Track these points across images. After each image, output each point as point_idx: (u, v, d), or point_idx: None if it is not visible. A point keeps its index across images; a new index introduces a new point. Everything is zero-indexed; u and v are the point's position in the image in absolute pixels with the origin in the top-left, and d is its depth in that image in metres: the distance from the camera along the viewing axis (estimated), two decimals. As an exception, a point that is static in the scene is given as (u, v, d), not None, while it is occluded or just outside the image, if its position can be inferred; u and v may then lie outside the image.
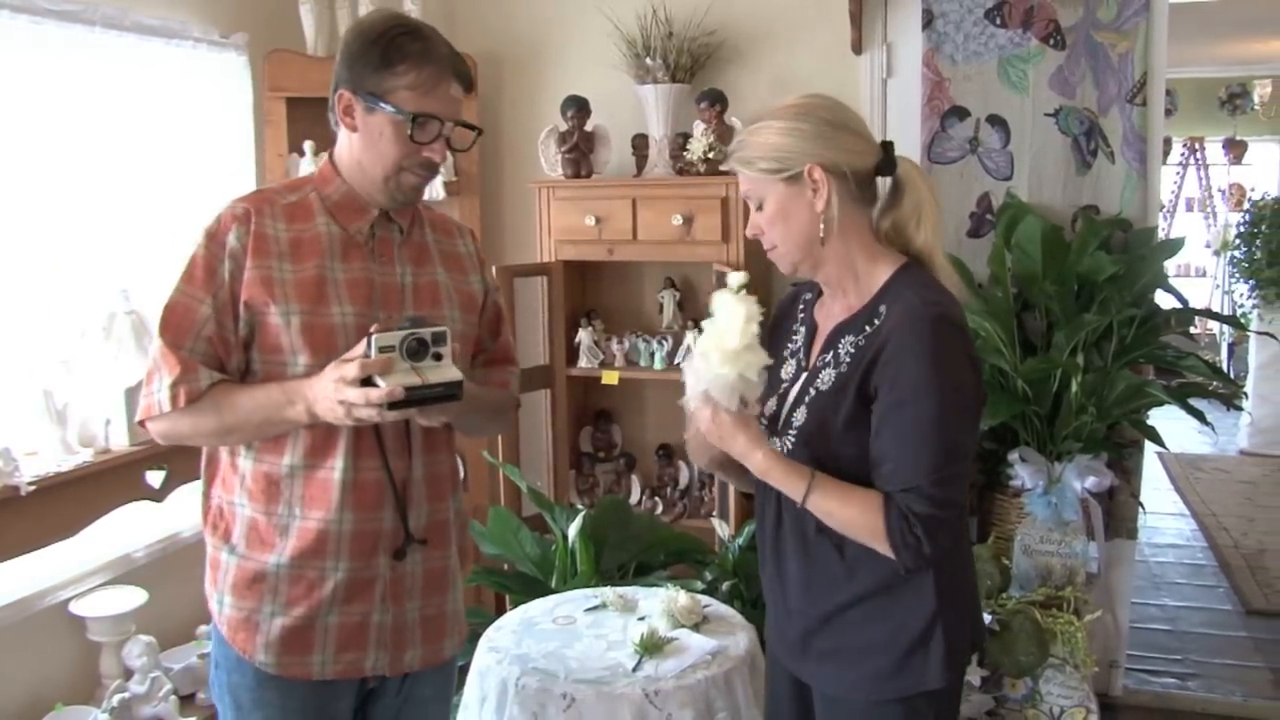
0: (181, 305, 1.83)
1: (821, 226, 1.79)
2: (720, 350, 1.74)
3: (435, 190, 3.98)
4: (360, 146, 1.87)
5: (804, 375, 1.89)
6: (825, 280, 1.88)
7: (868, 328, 1.79)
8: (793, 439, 1.85)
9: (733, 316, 1.74)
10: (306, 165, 3.73)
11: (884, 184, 1.87)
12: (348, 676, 1.93)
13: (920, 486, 1.70)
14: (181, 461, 2.94)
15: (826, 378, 1.82)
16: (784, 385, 1.92)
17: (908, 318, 1.74)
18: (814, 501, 1.78)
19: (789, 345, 1.97)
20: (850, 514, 1.76)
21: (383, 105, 1.81)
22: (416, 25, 1.87)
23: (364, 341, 1.75)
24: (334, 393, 1.72)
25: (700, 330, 1.82)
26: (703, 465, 2.02)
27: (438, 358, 1.78)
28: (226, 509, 1.93)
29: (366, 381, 1.71)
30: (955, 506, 1.75)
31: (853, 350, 1.80)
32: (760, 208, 1.83)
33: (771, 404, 1.92)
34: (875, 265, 1.84)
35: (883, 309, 1.79)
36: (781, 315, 2.03)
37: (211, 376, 1.82)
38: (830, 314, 1.90)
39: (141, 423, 1.90)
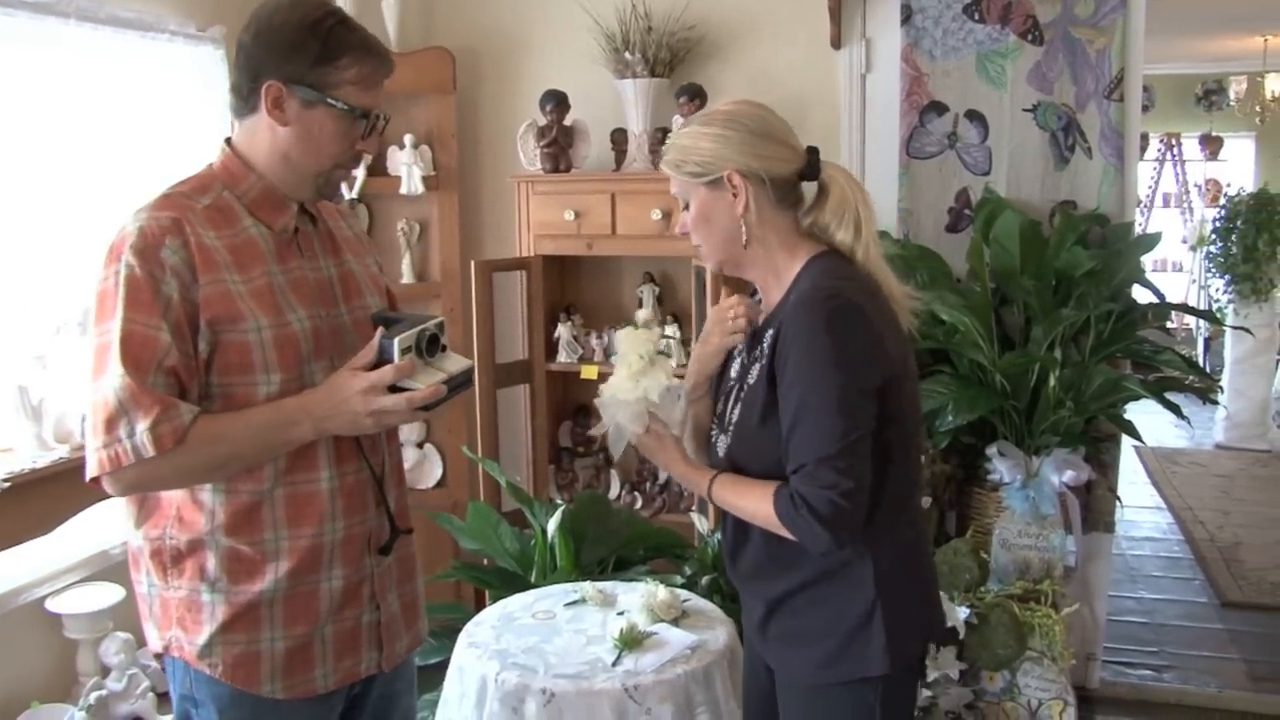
0: (139, 335, 1.64)
1: (743, 229, 1.87)
2: (620, 380, 1.92)
3: (414, 185, 3.97)
4: (291, 141, 1.75)
5: (741, 375, 1.96)
6: (753, 280, 1.98)
7: (780, 319, 1.86)
8: (731, 434, 1.94)
9: (629, 348, 1.92)
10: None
11: (811, 187, 1.94)
12: (346, 683, 1.88)
13: (807, 466, 1.76)
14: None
15: (754, 373, 1.90)
16: (729, 384, 1.99)
17: (796, 303, 1.82)
18: (716, 497, 1.91)
19: (737, 348, 2.03)
20: (748, 506, 1.87)
21: (329, 101, 1.72)
22: (342, 13, 1.78)
23: (373, 345, 1.71)
24: (362, 404, 1.67)
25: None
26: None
27: (444, 349, 1.78)
28: (188, 546, 1.77)
29: (392, 388, 1.69)
30: (848, 488, 1.73)
31: (771, 343, 1.86)
32: (685, 207, 1.91)
33: (719, 405, 2.02)
34: (793, 260, 1.90)
35: (790, 299, 1.87)
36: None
37: (191, 410, 1.65)
38: (762, 316, 1.98)
39: (95, 480, 1.68)
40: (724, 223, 1.87)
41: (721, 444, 1.95)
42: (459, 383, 1.77)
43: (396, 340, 1.69)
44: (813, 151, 1.91)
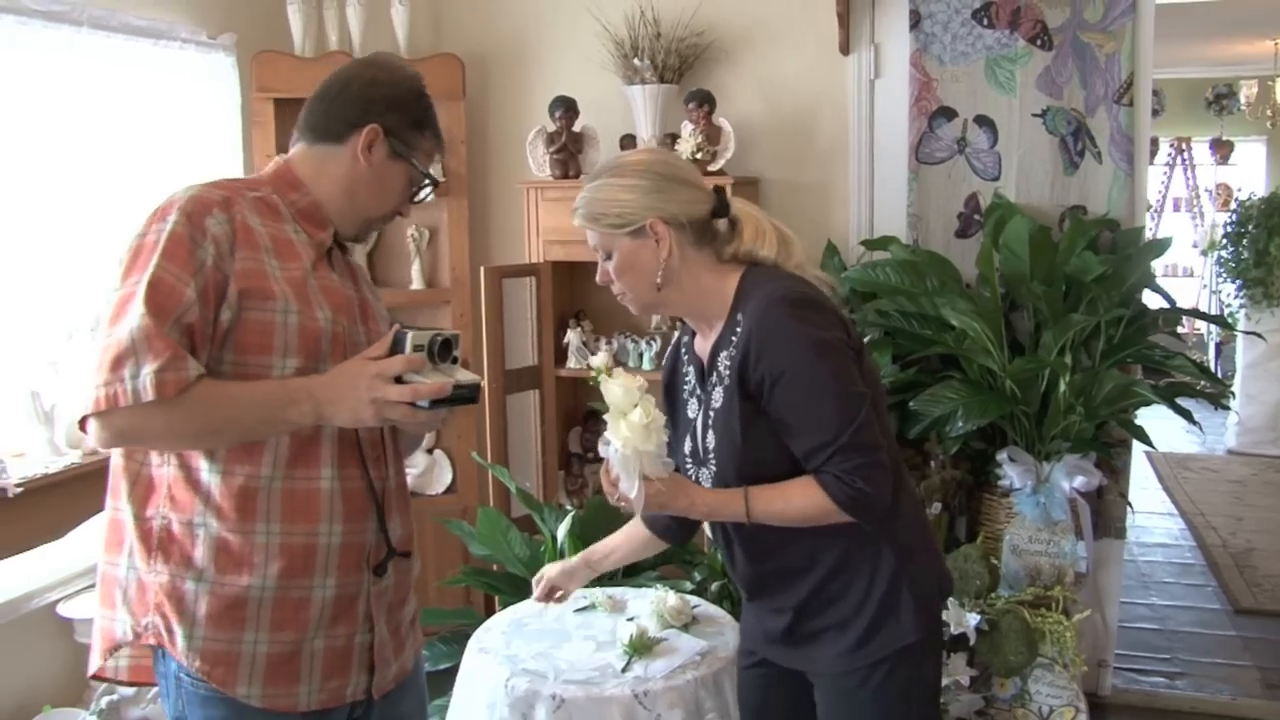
0: (167, 283, 1.64)
1: (660, 273, 1.93)
2: (632, 429, 1.84)
3: (424, 191, 3.97)
4: (366, 181, 1.87)
5: (703, 404, 2.01)
6: (680, 316, 2.05)
7: (733, 337, 1.92)
8: (714, 462, 1.97)
9: (623, 398, 1.85)
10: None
11: (723, 222, 2.00)
12: (330, 705, 1.82)
13: (837, 445, 1.81)
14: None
15: (718, 396, 1.95)
16: (693, 421, 2.04)
17: (759, 308, 1.87)
18: (757, 512, 1.90)
19: (684, 389, 2.09)
20: (796, 506, 1.87)
21: (413, 161, 1.89)
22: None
23: (388, 340, 1.74)
24: (367, 390, 1.68)
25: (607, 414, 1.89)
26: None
27: (455, 360, 1.79)
28: (180, 530, 1.74)
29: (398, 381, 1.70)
30: (878, 449, 1.85)
31: (729, 363, 1.91)
32: (609, 258, 1.96)
33: (689, 443, 2.05)
34: (724, 283, 1.97)
35: (740, 315, 1.92)
36: (671, 368, 2.16)
37: (198, 368, 1.64)
38: (705, 345, 2.02)
39: (85, 419, 1.65)
40: (648, 268, 1.93)
41: (705, 475, 2.00)
42: (464, 394, 1.75)
43: (410, 334, 1.71)
44: (720, 191, 2.00)
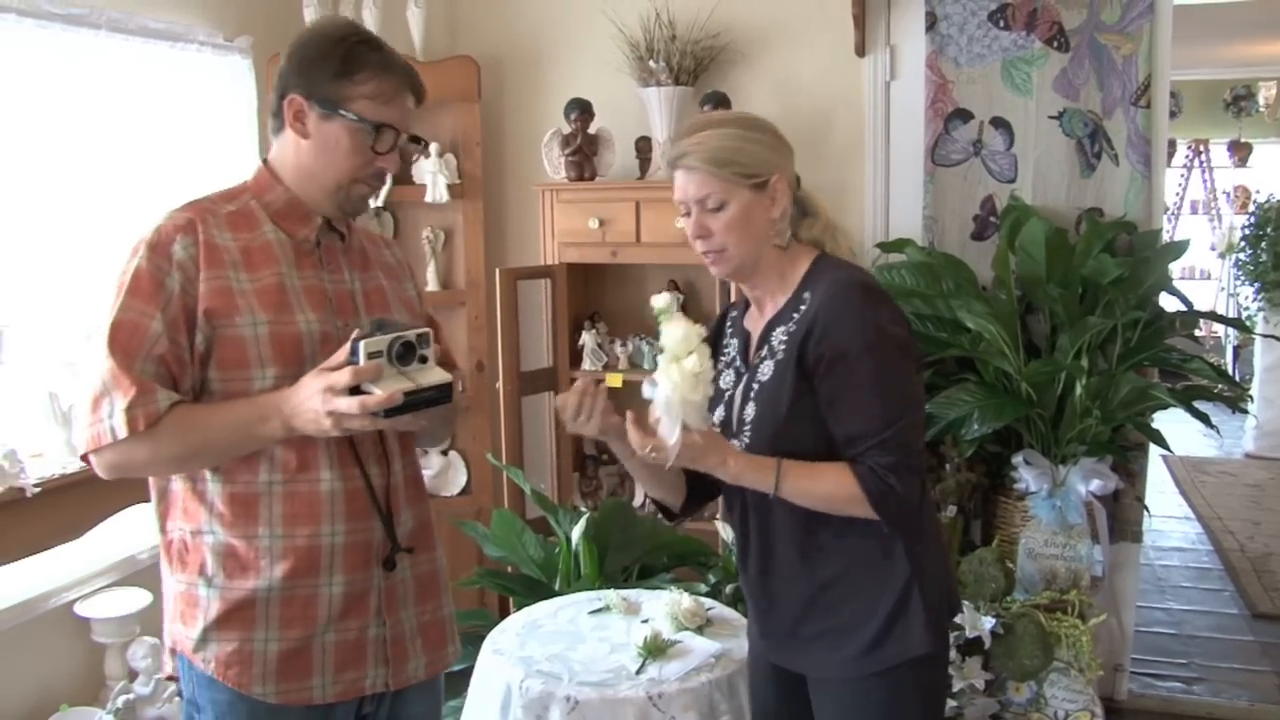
0: (129, 321, 1.70)
1: (775, 234, 1.91)
2: (684, 376, 1.75)
3: (439, 193, 3.99)
4: (312, 154, 1.82)
5: (744, 376, 1.98)
6: (755, 284, 1.98)
7: (795, 314, 1.90)
8: (749, 433, 1.94)
9: (681, 342, 1.77)
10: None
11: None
12: (348, 697, 1.85)
13: (881, 438, 1.80)
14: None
15: (766, 369, 1.93)
16: (727, 393, 2.02)
17: (833, 289, 1.86)
18: (786, 488, 1.85)
19: (723, 358, 2.07)
20: (826, 488, 1.84)
21: (342, 113, 1.78)
22: (372, 34, 1.84)
23: (346, 349, 1.68)
24: (321, 404, 1.65)
25: (658, 354, 1.82)
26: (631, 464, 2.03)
27: (423, 360, 1.75)
28: (191, 540, 1.80)
29: (355, 390, 1.65)
30: (916, 454, 1.85)
31: (785, 339, 1.90)
32: (716, 208, 1.88)
33: (720, 412, 2.01)
34: (796, 263, 1.96)
35: (806, 295, 1.90)
36: (713, 335, 2.10)
37: (170, 397, 1.69)
38: (759, 320, 2.01)
39: (84, 456, 1.74)
40: (760, 227, 1.89)
41: (736, 447, 1.93)
42: (428, 396, 1.73)
43: (363, 344, 1.67)
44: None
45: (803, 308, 1.89)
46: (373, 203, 3.82)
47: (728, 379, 2.03)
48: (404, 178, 4.06)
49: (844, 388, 1.81)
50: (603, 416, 1.86)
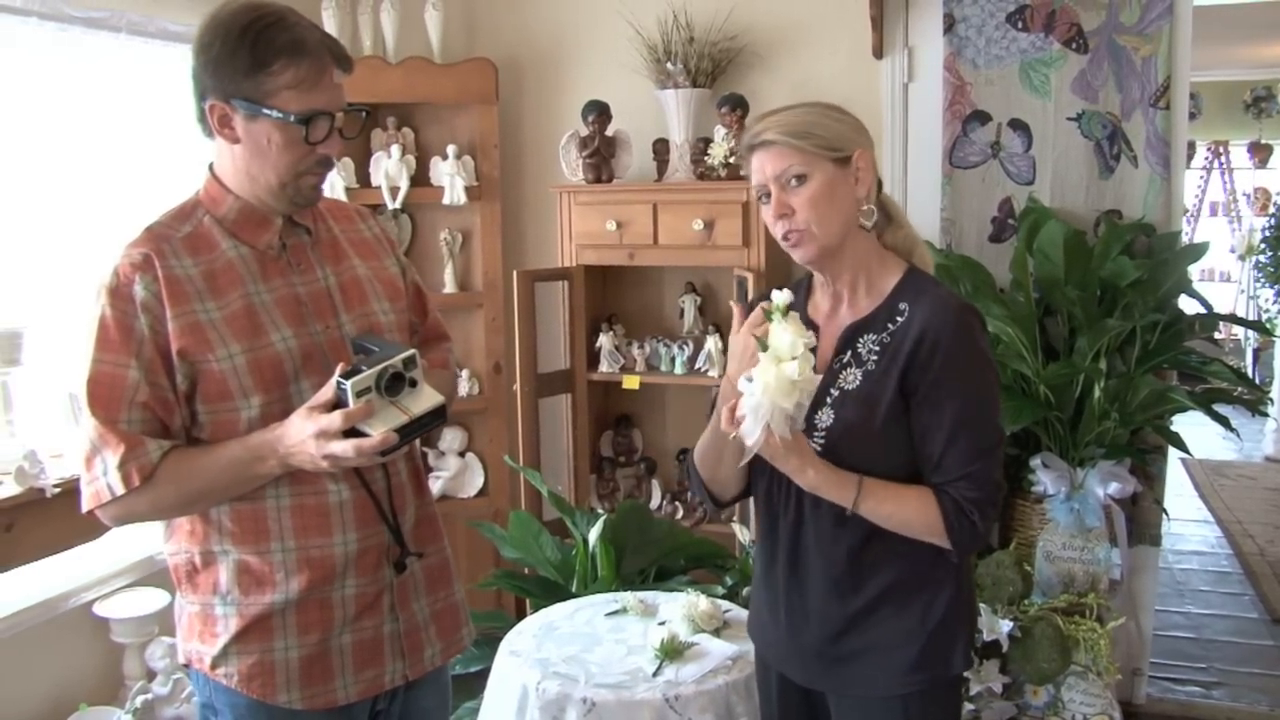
0: (106, 375, 1.66)
1: (865, 211, 1.83)
2: (779, 381, 1.67)
3: (456, 195, 4.00)
4: (247, 157, 1.72)
5: (819, 378, 1.85)
6: (836, 274, 1.89)
7: (890, 325, 1.83)
8: (821, 439, 1.84)
9: (788, 347, 1.67)
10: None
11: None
12: (369, 695, 1.86)
13: (969, 471, 1.77)
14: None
15: (851, 378, 1.84)
16: None
17: (944, 313, 1.79)
18: (867, 506, 1.79)
19: None
20: (907, 513, 1.80)
21: (265, 111, 1.66)
22: (278, 12, 1.69)
23: (332, 385, 1.65)
24: (316, 449, 1.63)
25: (759, 349, 1.71)
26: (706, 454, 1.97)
27: (413, 384, 1.72)
28: (201, 559, 1.79)
29: (350, 428, 1.63)
30: (1001, 488, 1.82)
31: (877, 349, 1.83)
32: (800, 182, 1.79)
33: None
34: (886, 268, 1.89)
35: (903, 307, 1.83)
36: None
37: (161, 446, 1.67)
38: (829, 313, 1.92)
39: (90, 513, 1.73)
40: (845, 204, 1.82)
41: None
42: (423, 424, 1.71)
43: (350, 384, 1.63)
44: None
45: (899, 319, 1.82)
46: (390, 205, 3.84)
47: None
48: (421, 179, 4.07)
49: (945, 416, 1.77)
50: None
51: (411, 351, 1.72)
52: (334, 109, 1.72)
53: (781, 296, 1.69)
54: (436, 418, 1.74)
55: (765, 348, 1.68)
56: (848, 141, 1.81)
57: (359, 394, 1.64)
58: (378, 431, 1.64)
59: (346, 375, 1.65)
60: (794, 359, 1.66)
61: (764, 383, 1.67)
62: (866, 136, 1.86)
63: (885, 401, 1.80)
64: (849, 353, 1.86)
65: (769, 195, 1.82)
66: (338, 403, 1.66)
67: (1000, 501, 1.83)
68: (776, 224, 1.83)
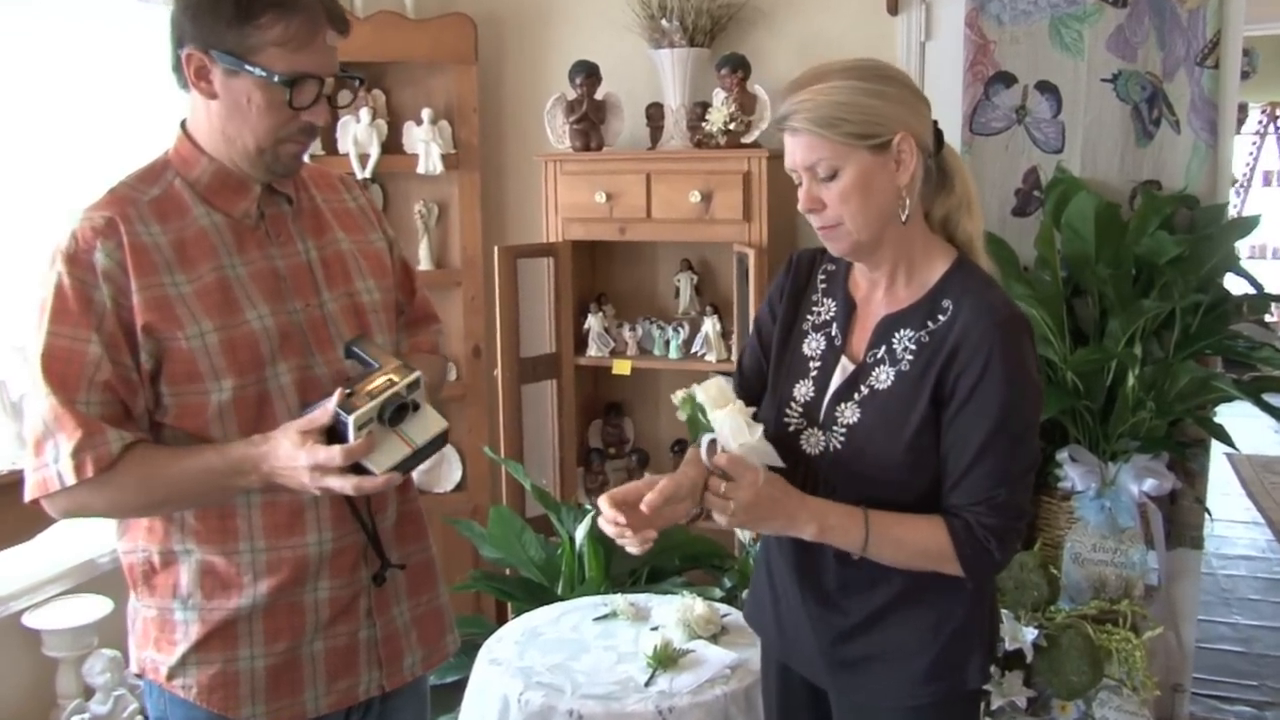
0: (63, 349, 1.63)
1: (904, 204, 1.79)
2: (738, 424, 1.76)
3: (432, 164, 4.01)
4: (224, 115, 1.70)
5: (851, 368, 1.89)
6: (876, 265, 1.88)
7: (930, 323, 1.82)
8: (841, 438, 1.86)
9: (717, 397, 1.78)
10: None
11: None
12: (342, 707, 1.87)
13: (992, 495, 1.76)
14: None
15: (883, 376, 1.84)
16: (814, 366, 1.93)
17: (985, 317, 1.77)
18: (875, 542, 1.79)
19: (809, 317, 1.98)
20: (915, 541, 1.80)
21: (248, 68, 1.65)
22: None
23: (329, 410, 1.63)
24: (310, 481, 1.63)
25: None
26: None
27: (415, 407, 1.72)
28: (160, 559, 1.79)
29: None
30: (1026, 514, 1.83)
31: (914, 348, 1.82)
32: (830, 177, 1.77)
33: (807, 390, 1.92)
34: (930, 255, 1.86)
35: (946, 304, 1.82)
36: (801, 282, 2.01)
37: (122, 439, 1.65)
38: (869, 297, 1.92)
39: (35, 502, 1.69)
40: (884, 196, 1.77)
41: (816, 439, 1.89)
42: (426, 453, 1.73)
43: (352, 420, 1.62)
44: (934, 123, 1.86)
45: (941, 318, 1.81)
46: (360, 173, 3.83)
47: (813, 346, 1.94)
48: (394, 146, 4.08)
49: (973, 434, 1.76)
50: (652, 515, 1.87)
51: (417, 374, 1.72)
52: (324, 73, 1.71)
53: (710, 387, 1.81)
54: (439, 445, 1.76)
55: (702, 417, 1.78)
56: (888, 122, 1.74)
57: (361, 427, 1.63)
58: (380, 468, 1.65)
59: (345, 401, 1.64)
60: (728, 403, 1.77)
61: (726, 429, 1.76)
62: (915, 108, 1.80)
63: (918, 413, 1.79)
64: (883, 348, 1.86)
65: (801, 181, 1.82)
66: (334, 427, 1.65)
67: (1024, 531, 1.81)
68: (808, 215, 1.83)
